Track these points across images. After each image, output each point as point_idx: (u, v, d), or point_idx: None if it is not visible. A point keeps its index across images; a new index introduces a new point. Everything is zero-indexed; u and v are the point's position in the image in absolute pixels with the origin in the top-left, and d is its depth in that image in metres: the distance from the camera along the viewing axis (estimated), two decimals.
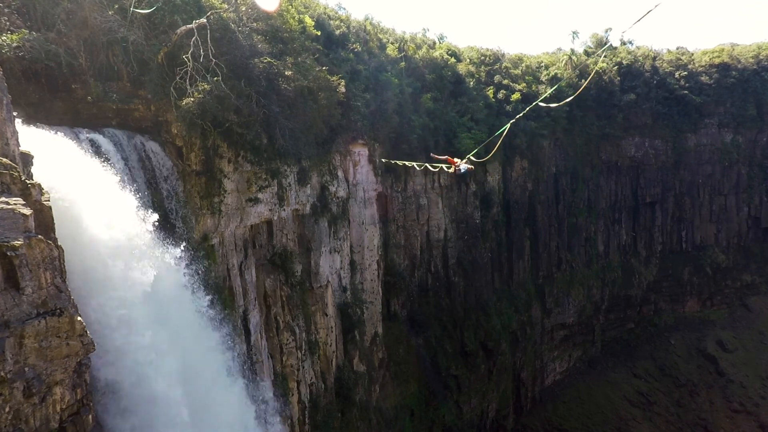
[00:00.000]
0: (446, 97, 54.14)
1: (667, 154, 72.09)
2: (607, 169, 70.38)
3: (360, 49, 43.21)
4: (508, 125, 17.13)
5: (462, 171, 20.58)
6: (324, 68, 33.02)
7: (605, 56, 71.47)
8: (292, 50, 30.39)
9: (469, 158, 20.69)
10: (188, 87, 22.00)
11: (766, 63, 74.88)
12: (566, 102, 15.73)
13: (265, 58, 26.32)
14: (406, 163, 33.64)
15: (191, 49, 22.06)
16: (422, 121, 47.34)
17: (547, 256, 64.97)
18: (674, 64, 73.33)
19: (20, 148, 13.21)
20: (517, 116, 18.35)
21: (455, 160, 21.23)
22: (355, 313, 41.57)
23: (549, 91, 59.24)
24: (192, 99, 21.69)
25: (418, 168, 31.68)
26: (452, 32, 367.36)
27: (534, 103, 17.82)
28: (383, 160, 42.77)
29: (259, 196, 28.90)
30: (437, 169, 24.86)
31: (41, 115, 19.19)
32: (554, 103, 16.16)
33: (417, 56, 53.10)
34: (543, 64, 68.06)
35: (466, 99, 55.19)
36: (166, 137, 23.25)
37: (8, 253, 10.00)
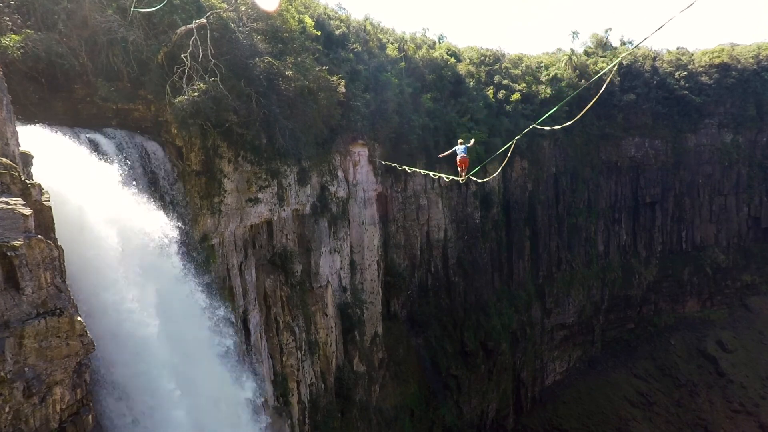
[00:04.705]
0: (446, 97, 54.11)
1: (667, 154, 72.05)
2: (607, 169, 70.32)
3: (360, 49, 43.19)
4: (514, 140, 17.39)
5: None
6: (324, 68, 32.96)
7: (605, 57, 71.47)
8: (292, 50, 30.33)
9: (469, 177, 21.71)
10: (184, 86, 21.92)
11: (766, 63, 74.81)
12: (568, 125, 15.79)
13: (265, 58, 26.25)
14: (407, 168, 33.66)
15: (190, 49, 22.02)
16: (422, 121, 47.31)
17: (547, 256, 64.95)
18: (674, 64, 73.25)
19: (20, 148, 13.20)
20: (515, 138, 18.36)
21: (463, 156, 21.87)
22: (355, 313, 41.56)
23: (549, 93, 59.24)
24: (185, 97, 21.55)
25: (423, 174, 31.75)
26: (452, 32, 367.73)
27: (531, 126, 17.99)
28: (383, 162, 42.76)
29: (259, 196, 28.89)
30: (437, 177, 25.33)
31: (41, 115, 19.16)
32: (557, 125, 16.23)
33: (417, 56, 53.06)
34: (543, 65, 67.98)
35: (466, 99, 55.15)
36: (166, 137, 23.19)
37: (8, 253, 9.97)
